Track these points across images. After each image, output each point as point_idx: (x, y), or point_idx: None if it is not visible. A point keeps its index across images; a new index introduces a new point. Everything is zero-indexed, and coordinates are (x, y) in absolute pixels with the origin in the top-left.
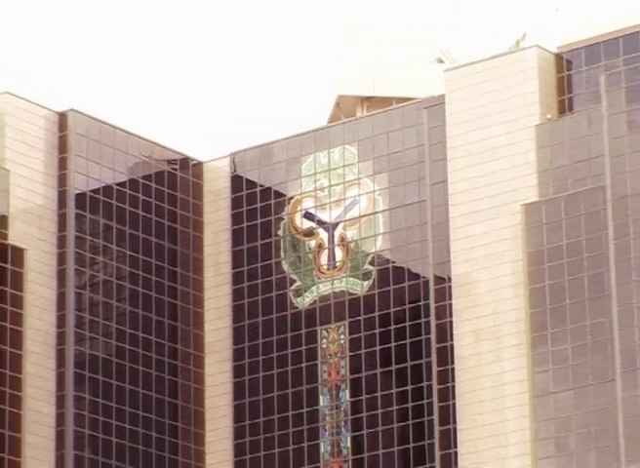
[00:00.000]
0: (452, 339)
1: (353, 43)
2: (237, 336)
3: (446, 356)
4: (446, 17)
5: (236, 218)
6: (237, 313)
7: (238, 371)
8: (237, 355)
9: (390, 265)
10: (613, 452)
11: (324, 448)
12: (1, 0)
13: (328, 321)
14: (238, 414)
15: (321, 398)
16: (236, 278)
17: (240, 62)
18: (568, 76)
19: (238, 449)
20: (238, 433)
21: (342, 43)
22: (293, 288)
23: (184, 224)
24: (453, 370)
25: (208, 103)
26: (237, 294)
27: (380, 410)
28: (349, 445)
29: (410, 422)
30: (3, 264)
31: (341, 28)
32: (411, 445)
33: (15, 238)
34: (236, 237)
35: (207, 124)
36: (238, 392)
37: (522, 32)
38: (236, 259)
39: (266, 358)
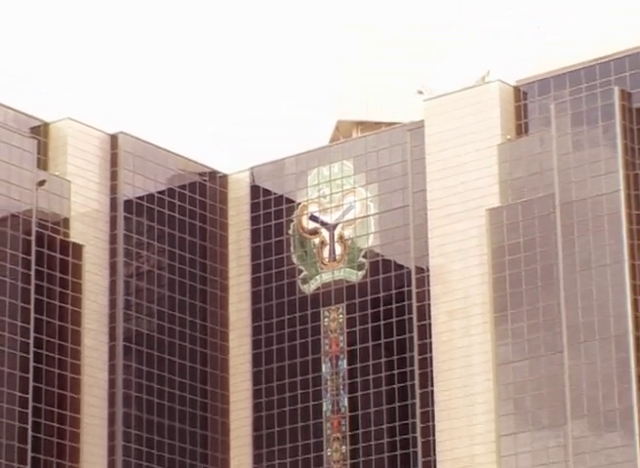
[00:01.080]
0: (429, 318)
1: (353, 45)
2: (255, 316)
3: (425, 332)
4: (446, 17)
5: (254, 220)
6: (255, 297)
7: (256, 344)
8: (255, 331)
9: (380, 258)
10: (560, 410)
11: (326, 406)
12: (59, 37)
13: (329, 303)
14: (256, 379)
15: (323, 366)
16: (254, 268)
17: (248, 78)
18: (524, 105)
19: (256, 408)
20: (256, 394)
21: (342, 58)
22: (300, 277)
23: (212, 225)
24: (430, 343)
25: (223, 120)
26: (255, 282)
27: (371, 376)
28: (347, 404)
29: (395, 386)
30: (65, 258)
31: (341, 30)
32: (396, 404)
33: (75, 236)
34: (254, 235)
35: (226, 136)
36: (256, 361)
37: (487, 70)
38: (254, 253)
39: (279, 333)
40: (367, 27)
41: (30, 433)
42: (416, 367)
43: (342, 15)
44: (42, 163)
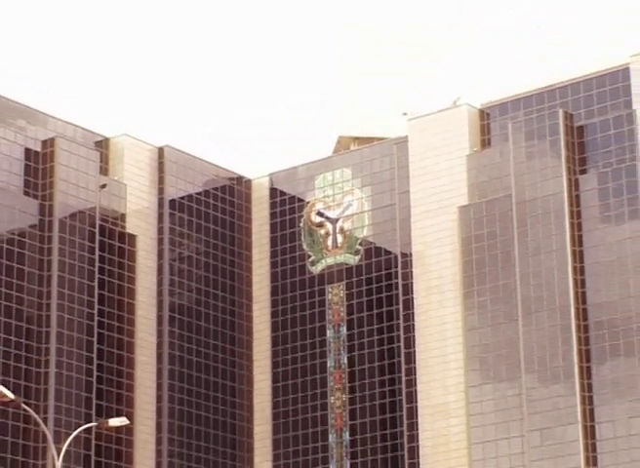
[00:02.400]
0: (412, 293)
1: (353, 45)
2: (273, 291)
3: (408, 304)
4: (446, 17)
5: (272, 216)
6: (273, 276)
7: (274, 314)
8: (273, 303)
9: (372, 246)
10: (516, 367)
11: (330, 363)
12: (107, 57)
13: (332, 281)
14: (274, 342)
15: (327, 331)
16: (273, 254)
17: (251, 79)
18: (487, 123)
19: (274, 365)
20: (274, 354)
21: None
22: (309, 260)
23: (239, 219)
24: (412, 313)
25: (243, 129)
26: (273, 264)
27: (365, 339)
28: (346, 361)
29: (385, 347)
30: (122, 245)
31: (341, 30)
32: (385, 361)
33: (130, 228)
34: (273, 228)
35: (247, 144)
36: (274, 327)
37: (458, 96)
38: (273, 242)
39: (292, 305)
40: (367, 27)
41: (95, 385)
42: (401, 332)
43: (342, 15)
44: (103, 170)
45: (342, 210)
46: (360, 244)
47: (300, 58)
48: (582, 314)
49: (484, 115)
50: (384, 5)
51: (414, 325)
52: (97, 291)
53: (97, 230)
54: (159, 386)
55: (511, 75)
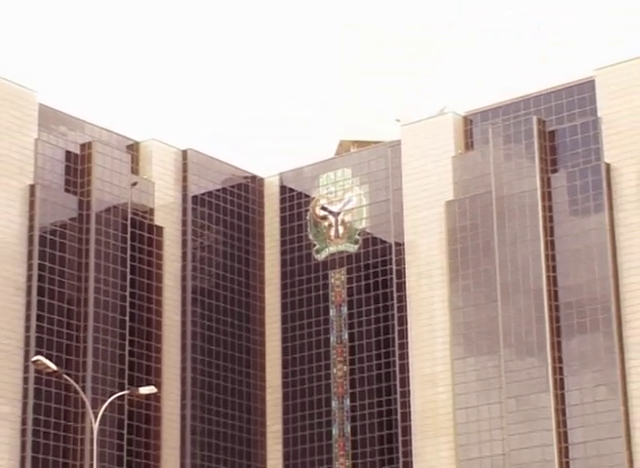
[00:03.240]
0: (404, 277)
1: (353, 45)
2: (283, 276)
3: (401, 287)
4: (446, 16)
5: (282, 210)
6: (283, 263)
7: (284, 296)
8: (283, 287)
9: (370, 236)
10: (495, 341)
11: (332, 338)
12: (136, 71)
13: (334, 267)
14: (284, 320)
15: (330, 310)
16: (282, 243)
17: (253, 80)
18: (470, 129)
19: (283, 341)
20: (283, 331)
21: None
22: (314, 249)
23: (253, 213)
24: (405, 295)
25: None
26: (283, 252)
27: (364, 318)
28: (347, 336)
29: (381, 325)
30: (151, 236)
31: (342, 28)
32: (381, 337)
33: (157, 221)
34: (283, 220)
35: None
36: (284, 308)
37: (444, 104)
38: (282, 232)
39: (300, 288)
40: (367, 27)
41: (127, 357)
42: (395, 311)
43: (343, 14)
44: (134, 170)
45: (343, 204)
46: (359, 234)
47: (302, 59)
48: (554, 295)
49: (467, 121)
50: (384, 5)
51: (406, 305)
52: (128, 276)
53: (128, 223)
54: (183, 359)
55: (497, 82)
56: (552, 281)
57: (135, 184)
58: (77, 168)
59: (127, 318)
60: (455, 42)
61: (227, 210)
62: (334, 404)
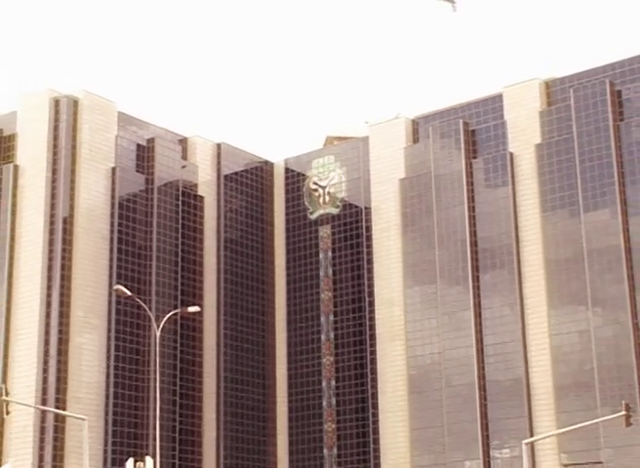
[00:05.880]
0: (371, 231)
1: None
2: (287, 230)
3: (369, 238)
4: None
5: (287, 184)
6: (287, 221)
7: (287, 243)
8: (287, 237)
9: (347, 203)
10: (434, 274)
11: (321, 273)
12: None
13: (322, 224)
14: (287, 259)
15: (320, 254)
16: (287, 207)
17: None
18: (417, 128)
19: (287, 268)
20: (287, 266)
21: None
22: (309, 211)
23: (264, 191)
24: (372, 244)
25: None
26: (287, 215)
27: (343, 259)
28: (331, 272)
29: (355, 264)
30: (195, 202)
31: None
32: (356, 273)
33: (200, 192)
34: (287, 191)
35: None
36: (287, 251)
37: (398, 111)
38: (287, 200)
39: (299, 238)
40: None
41: (180, 286)
42: (364, 255)
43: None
44: (184, 156)
45: (329, 181)
46: (339, 201)
47: (299, 74)
48: (474, 243)
49: (415, 123)
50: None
51: (372, 250)
52: (180, 230)
53: (180, 193)
54: (218, 287)
55: (436, 94)
56: (473, 233)
57: (184, 167)
58: (144, 155)
59: (179, 259)
60: (408, 67)
61: (248, 184)
62: (322, 318)
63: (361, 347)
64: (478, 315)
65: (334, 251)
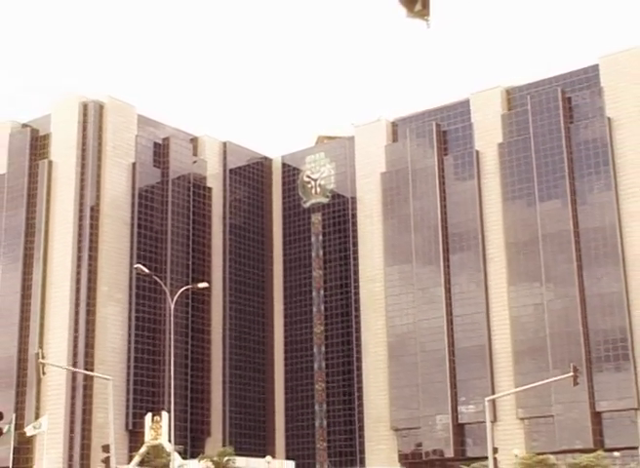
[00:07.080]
0: (356, 218)
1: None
2: (284, 217)
3: (355, 224)
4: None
5: (283, 177)
6: (284, 208)
7: (284, 227)
8: (284, 223)
9: (335, 193)
10: (410, 255)
11: (313, 253)
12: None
13: (314, 212)
14: (285, 241)
15: (312, 238)
16: (284, 197)
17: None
18: (395, 129)
19: (284, 249)
20: (284, 247)
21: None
22: (303, 200)
23: (264, 183)
24: (357, 229)
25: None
26: (284, 203)
27: (332, 242)
28: (322, 253)
29: (342, 246)
30: (204, 192)
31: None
32: (343, 253)
33: (209, 184)
34: (283, 183)
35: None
36: (284, 234)
37: (379, 115)
38: (284, 191)
39: (294, 224)
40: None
41: (191, 265)
42: (350, 238)
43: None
44: (194, 153)
45: (320, 174)
46: (329, 192)
47: (293, 82)
48: (445, 228)
49: (394, 124)
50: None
51: (357, 235)
52: (191, 217)
53: (191, 185)
54: (224, 265)
55: (412, 99)
56: (444, 220)
57: (195, 162)
58: (160, 152)
59: (190, 242)
60: (388, 76)
61: (250, 177)
62: (314, 293)
63: (347, 318)
64: (448, 290)
65: (324, 235)
